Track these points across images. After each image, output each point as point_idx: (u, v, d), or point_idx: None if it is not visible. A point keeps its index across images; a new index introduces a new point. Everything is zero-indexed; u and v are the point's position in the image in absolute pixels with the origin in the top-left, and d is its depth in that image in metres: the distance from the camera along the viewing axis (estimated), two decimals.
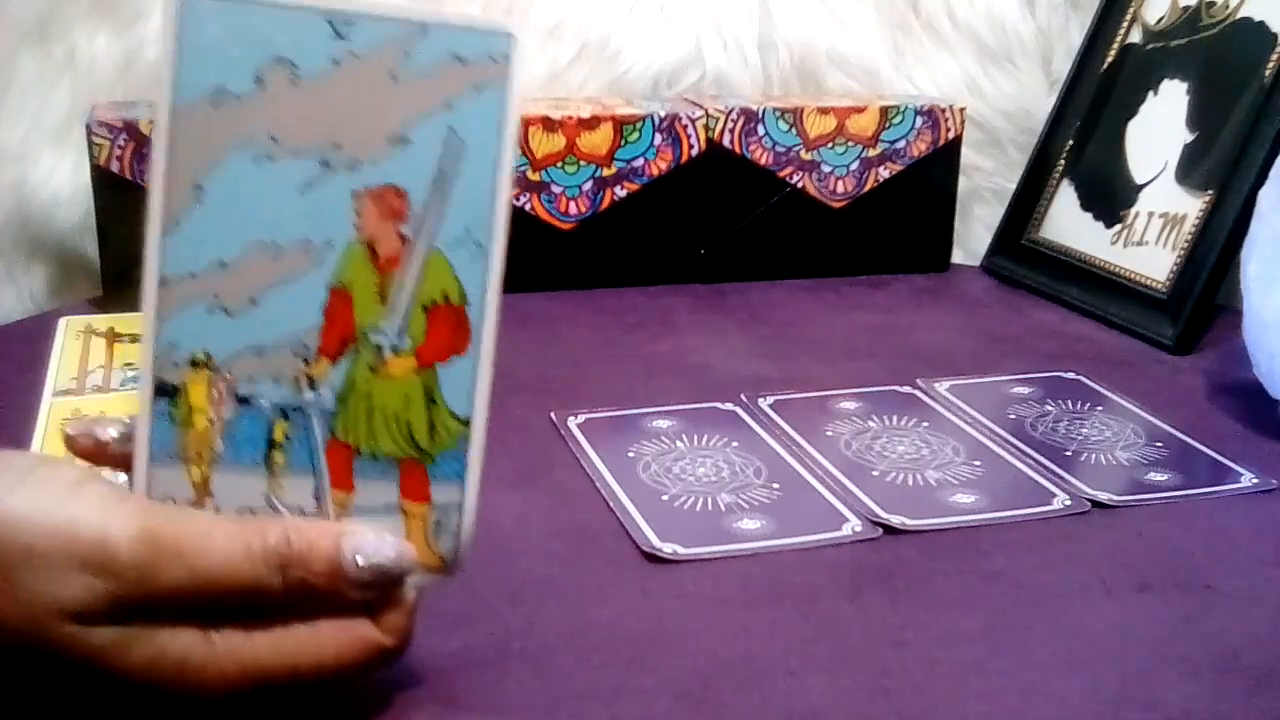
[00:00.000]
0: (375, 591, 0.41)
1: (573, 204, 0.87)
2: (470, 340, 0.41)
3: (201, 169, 0.39)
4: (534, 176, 0.86)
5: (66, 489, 0.38)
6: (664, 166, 0.88)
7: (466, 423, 0.42)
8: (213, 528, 0.39)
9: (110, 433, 0.42)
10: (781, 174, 0.91)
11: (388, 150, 0.40)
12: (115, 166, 0.79)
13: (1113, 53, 0.93)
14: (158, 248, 0.40)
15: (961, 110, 0.93)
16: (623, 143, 0.87)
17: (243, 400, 0.41)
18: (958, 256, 0.98)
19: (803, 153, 0.91)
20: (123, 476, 0.42)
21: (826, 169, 0.91)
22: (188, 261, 0.40)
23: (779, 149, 0.90)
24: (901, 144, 0.92)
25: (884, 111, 0.91)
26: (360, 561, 0.40)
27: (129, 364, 0.69)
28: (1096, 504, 0.59)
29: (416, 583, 0.42)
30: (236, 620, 0.39)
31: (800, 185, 0.91)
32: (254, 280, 0.40)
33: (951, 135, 0.93)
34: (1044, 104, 0.98)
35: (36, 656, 0.38)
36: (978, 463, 0.63)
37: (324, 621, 0.40)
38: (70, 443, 0.43)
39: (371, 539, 0.40)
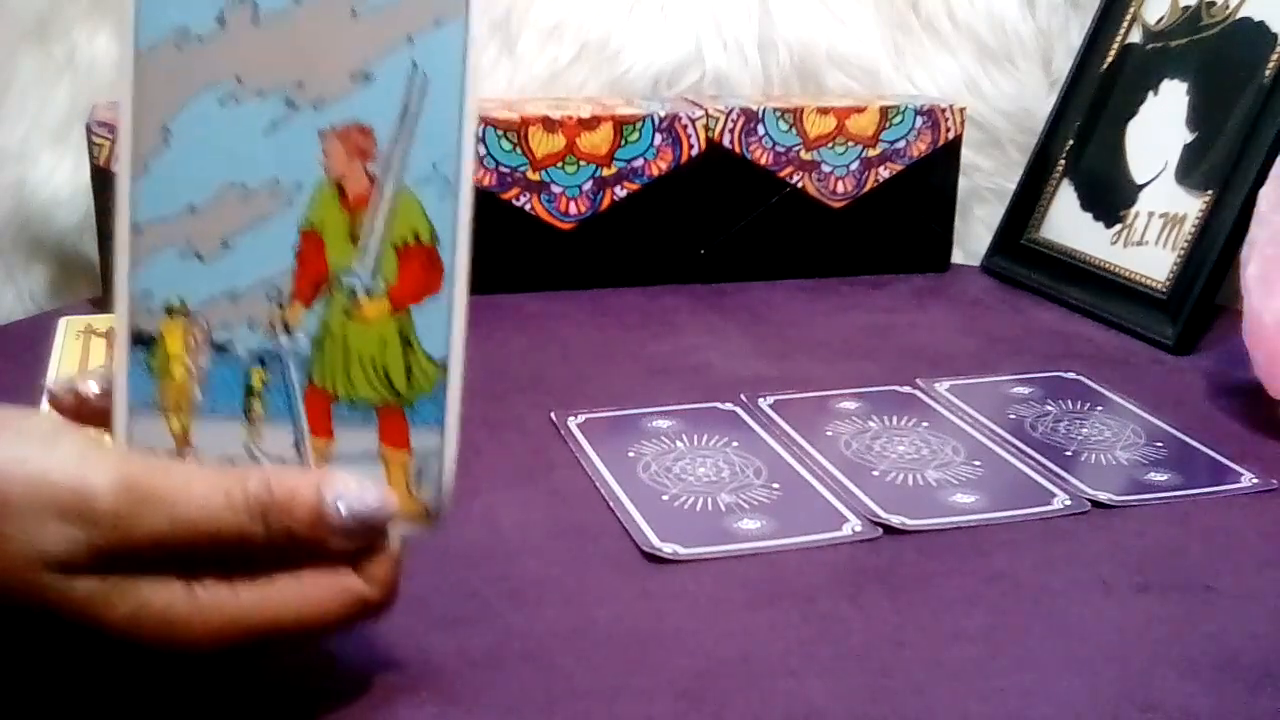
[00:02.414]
0: (358, 540, 0.40)
1: (573, 204, 0.87)
2: (443, 280, 0.40)
3: (168, 112, 0.39)
4: (534, 176, 0.86)
5: (43, 439, 0.38)
6: (664, 166, 0.88)
7: (444, 366, 0.41)
8: (192, 476, 0.38)
9: (91, 387, 0.42)
10: (781, 174, 0.91)
11: (351, 87, 0.39)
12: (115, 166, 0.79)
13: (1113, 53, 0.93)
14: (128, 194, 0.39)
15: (961, 110, 0.93)
16: (623, 143, 0.87)
17: (219, 348, 0.40)
18: (958, 256, 0.98)
19: (803, 153, 0.91)
20: (102, 434, 0.41)
21: (826, 169, 0.91)
22: (158, 206, 0.39)
23: (779, 149, 0.90)
24: (901, 144, 0.92)
25: (884, 111, 0.91)
26: (342, 508, 0.39)
27: None
28: (1096, 504, 0.59)
29: (400, 532, 0.41)
30: (219, 572, 0.39)
31: (800, 185, 0.91)
32: (225, 223, 0.40)
33: (951, 135, 0.93)
34: (1044, 104, 0.98)
35: (19, 609, 0.38)
36: (978, 463, 0.63)
37: (307, 573, 0.39)
38: (53, 400, 0.42)
39: (353, 486, 0.40)
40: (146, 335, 0.40)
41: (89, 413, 0.42)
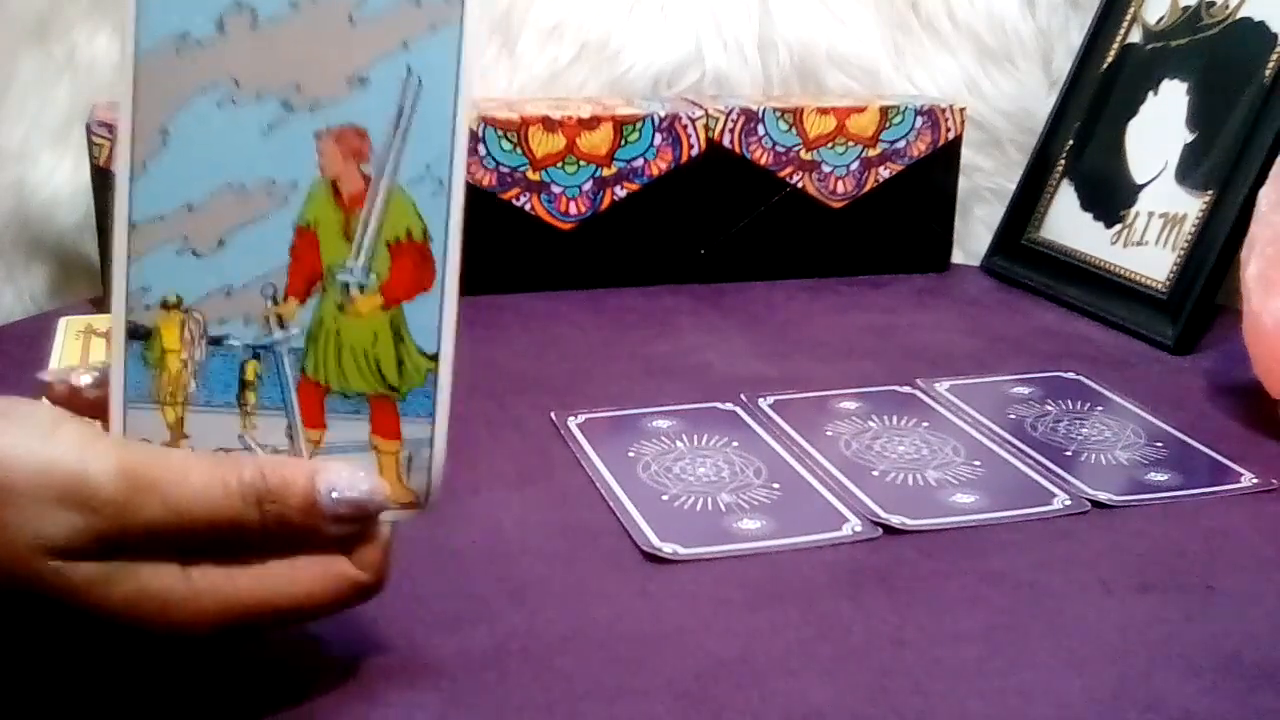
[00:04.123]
0: (351, 526, 0.41)
1: (573, 204, 0.87)
2: (435, 277, 0.41)
3: (166, 113, 0.40)
4: (534, 176, 0.86)
5: (44, 428, 0.39)
6: (664, 166, 0.88)
7: (434, 359, 0.42)
8: (189, 464, 0.39)
9: (84, 379, 0.43)
10: (781, 174, 0.91)
11: (347, 91, 0.40)
12: None
13: (1113, 53, 0.93)
14: (126, 192, 0.40)
15: (961, 110, 0.93)
16: (623, 143, 0.87)
17: (214, 341, 0.41)
18: (958, 256, 0.98)
19: (803, 153, 0.91)
20: (98, 424, 0.42)
21: (826, 169, 0.91)
22: (156, 205, 0.40)
23: (779, 149, 0.90)
24: (901, 144, 0.92)
25: (884, 111, 0.91)
26: (335, 496, 0.40)
27: None
28: (1096, 504, 0.59)
29: (390, 518, 0.42)
30: (215, 557, 0.40)
31: (800, 185, 0.91)
32: (221, 222, 0.41)
33: (951, 135, 0.93)
34: (1044, 104, 0.98)
35: (19, 595, 0.38)
36: (978, 463, 0.63)
37: (301, 558, 0.40)
38: (47, 390, 0.43)
39: (345, 474, 0.41)
40: (143, 329, 0.41)
41: (82, 404, 0.43)
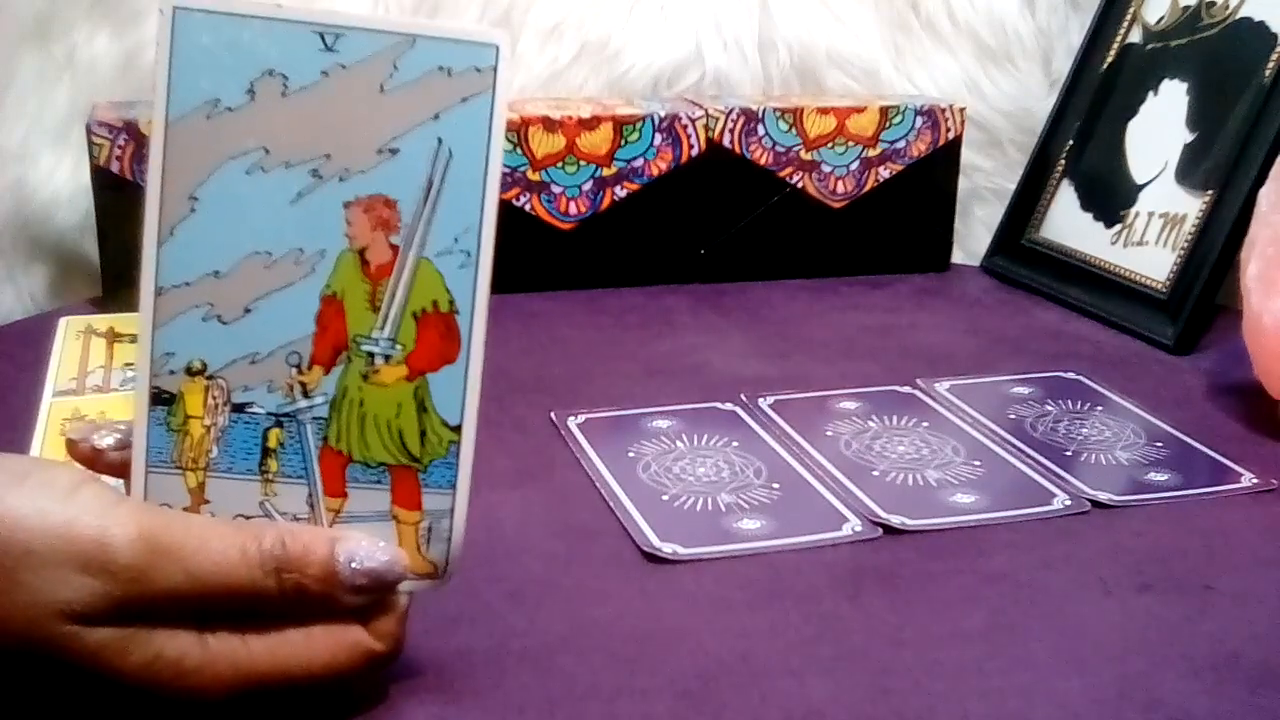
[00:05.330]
0: (368, 596, 0.41)
1: (573, 204, 0.87)
2: (460, 348, 0.41)
3: (196, 180, 0.40)
4: (534, 176, 0.86)
5: (65, 491, 0.39)
6: (664, 166, 0.88)
7: (457, 430, 0.42)
8: (209, 531, 0.39)
9: (106, 440, 0.43)
10: (781, 174, 0.91)
11: (377, 161, 0.40)
12: (115, 166, 0.79)
13: (1113, 53, 0.93)
14: (153, 258, 0.40)
15: (961, 110, 0.93)
16: (623, 143, 0.87)
17: (237, 408, 0.41)
18: (958, 256, 0.98)
19: (803, 153, 0.91)
20: (115, 481, 0.42)
21: (826, 169, 0.91)
22: (183, 271, 0.40)
23: (779, 149, 0.90)
24: (901, 144, 0.92)
25: (884, 111, 0.91)
26: (354, 566, 0.40)
27: (129, 364, 0.69)
28: (1096, 504, 0.59)
29: (408, 588, 0.42)
30: (231, 623, 0.40)
31: (800, 185, 0.91)
32: (248, 289, 0.41)
33: (951, 135, 0.93)
34: (1044, 104, 0.98)
35: (35, 658, 0.38)
36: (978, 463, 0.63)
37: (317, 626, 0.41)
38: (71, 447, 0.43)
39: (365, 544, 0.41)
40: (166, 394, 0.41)
41: (105, 465, 0.43)
